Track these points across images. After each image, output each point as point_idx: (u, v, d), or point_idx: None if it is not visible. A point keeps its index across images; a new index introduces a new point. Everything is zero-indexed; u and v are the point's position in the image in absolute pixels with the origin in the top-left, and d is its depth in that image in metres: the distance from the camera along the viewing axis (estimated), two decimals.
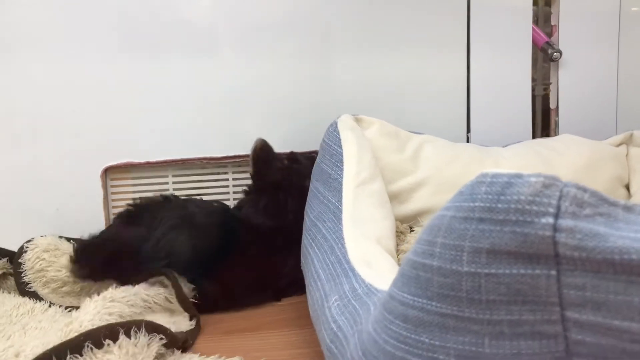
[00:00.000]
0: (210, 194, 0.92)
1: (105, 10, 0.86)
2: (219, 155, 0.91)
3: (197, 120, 0.90)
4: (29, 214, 0.86)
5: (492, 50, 0.96)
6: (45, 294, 0.77)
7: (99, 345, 0.48)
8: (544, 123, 1.03)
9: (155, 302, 0.66)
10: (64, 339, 0.51)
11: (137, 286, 0.66)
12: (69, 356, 0.46)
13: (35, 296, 0.75)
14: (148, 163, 0.89)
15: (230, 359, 0.56)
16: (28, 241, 0.81)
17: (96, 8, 0.85)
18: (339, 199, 0.69)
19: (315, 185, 0.74)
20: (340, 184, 0.70)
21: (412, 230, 0.77)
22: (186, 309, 0.67)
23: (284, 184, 0.83)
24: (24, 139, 0.86)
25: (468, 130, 0.97)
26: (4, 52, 0.84)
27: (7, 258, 0.82)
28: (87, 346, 0.47)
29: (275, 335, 0.69)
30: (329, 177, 0.72)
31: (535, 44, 0.98)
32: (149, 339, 0.52)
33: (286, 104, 0.93)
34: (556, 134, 1.01)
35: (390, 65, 0.95)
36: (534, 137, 0.99)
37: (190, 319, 0.66)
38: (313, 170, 0.77)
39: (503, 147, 0.88)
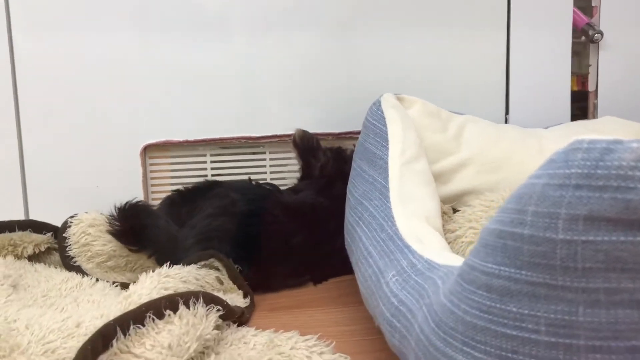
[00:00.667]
0: (247, 174, 0.92)
1: None
2: (257, 134, 0.91)
3: (236, 100, 0.90)
4: (69, 190, 0.87)
5: (533, 31, 0.95)
6: (89, 269, 0.77)
7: (160, 316, 0.48)
8: (581, 106, 1.01)
9: (207, 282, 0.66)
10: (124, 311, 0.52)
11: (188, 266, 0.66)
12: (132, 326, 0.46)
13: (79, 270, 0.76)
14: (187, 141, 0.89)
15: (288, 333, 0.56)
16: (72, 216, 0.81)
17: None
18: (385, 178, 0.68)
19: (359, 164, 0.74)
20: (386, 163, 0.70)
21: (455, 211, 0.76)
22: (240, 287, 0.67)
23: (331, 170, 0.82)
24: (65, 115, 0.86)
25: (507, 112, 0.96)
26: (47, 30, 0.84)
27: (51, 233, 0.82)
28: (149, 317, 0.47)
29: (321, 313, 0.69)
30: (374, 155, 0.72)
31: (575, 25, 0.96)
32: (207, 310, 0.52)
33: (322, 86, 0.92)
34: (594, 116, 0.99)
35: (424, 46, 0.94)
36: (572, 119, 0.98)
37: (244, 297, 0.66)
38: (356, 149, 0.77)
39: (544, 128, 0.87)
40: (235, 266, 0.72)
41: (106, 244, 0.79)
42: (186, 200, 0.81)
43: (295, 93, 0.92)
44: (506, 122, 0.96)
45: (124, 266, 0.78)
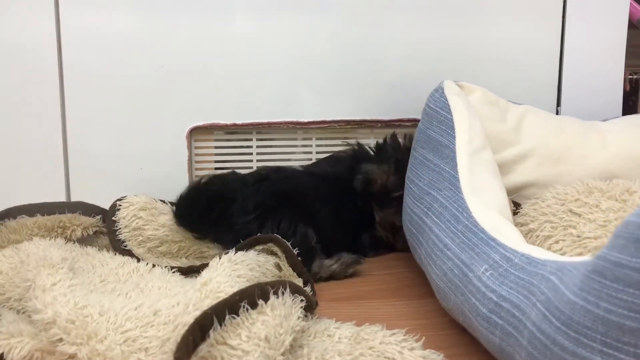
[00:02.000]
0: (293, 160, 0.89)
1: None
2: (305, 120, 0.88)
3: (284, 84, 0.87)
4: (112, 172, 0.84)
5: (588, 22, 0.93)
6: (140, 253, 0.75)
7: (254, 305, 0.46)
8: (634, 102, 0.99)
9: (267, 269, 0.63)
10: (204, 299, 0.49)
11: (249, 252, 0.63)
12: (227, 316, 0.44)
13: (130, 255, 0.73)
14: (234, 125, 0.86)
15: (373, 326, 0.54)
16: (120, 199, 0.78)
17: None
18: (454, 167, 0.66)
19: (422, 153, 0.72)
20: (453, 152, 0.67)
21: (516, 205, 0.74)
22: (300, 274, 0.65)
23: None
24: (110, 96, 0.83)
25: (558, 104, 0.94)
26: (95, 6, 0.81)
27: (100, 216, 0.79)
28: (244, 306, 0.45)
29: (386, 305, 0.67)
30: (439, 144, 0.69)
31: (631, 17, 0.94)
32: (293, 300, 0.50)
33: (375, 71, 0.89)
34: None
35: (474, 34, 0.91)
36: (624, 114, 0.96)
37: (305, 285, 0.64)
38: (416, 137, 0.75)
39: (602, 121, 0.85)
40: (295, 250, 0.70)
41: (158, 229, 0.76)
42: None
43: (345, 78, 0.89)
44: (557, 114, 0.94)
45: (177, 252, 0.76)
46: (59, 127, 0.83)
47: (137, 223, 0.74)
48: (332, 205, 0.79)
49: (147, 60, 0.83)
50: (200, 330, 0.41)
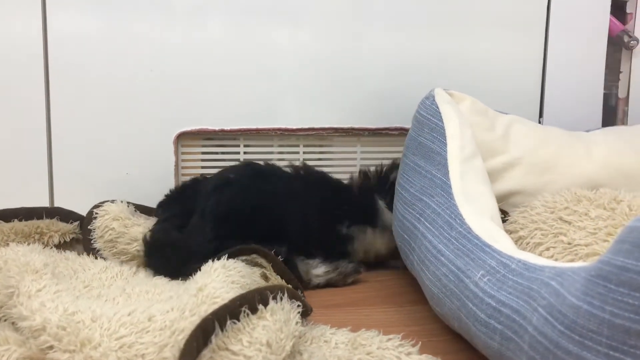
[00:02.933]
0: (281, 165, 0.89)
1: None
2: (293, 126, 0.88)
3: (272, 91, 0.87)
4: (98, 177, 0.82)
5: (570, 37, 0.95)
6: (116, 262, 0.73)
7: (254, 311, 0.45)
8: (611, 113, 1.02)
9: (254, 279, 0.63)
10: (200, 305, 0.48)
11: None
12: (228, 320, 0.43)
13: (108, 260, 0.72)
14: (222, 130, 0.85)
15: (369, 332, 0.54)
16: (97, 206, 0.77)
17: None
18: (445, 174, 0.67)
19: (413, 160, 0.72)
20: (445, 159, 0.68)
21: (503, 212, 0.75)
22: (288, 281, 0.64)
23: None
24: (97, 100, 0.82)
25: (540, 115, 0.96)
26: (82, 11, 0.79)
27: (77, 222, 0.78)
28: (244, 311, 0.44)
29: (377, 312, 0.67)
30: (431, 151, 0.70)
31: (610, 32, 0.97)
32: (291, 305, 0.49)
33: (363, 80, 0.90)
34: (624, 123, 1.00)
35: (459, 47, 0.92)
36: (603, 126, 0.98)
37: None
38: (407, 144, 0.75)
39: (586, 132, 0.87)
40: (279, 257, 0.69)
41: (130, 243, 0.75)
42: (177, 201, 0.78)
43: (332, 86, 0.89)
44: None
45: None
46: (44, 131, 0.81)
47: (109, 235, 0.73)
48: (304, 203, 0.76)
49: (135, 65, 0.82)
50: (202, 335, 0.40)
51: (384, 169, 0.83)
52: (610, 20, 0.97)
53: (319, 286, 0.72)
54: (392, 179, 0.79)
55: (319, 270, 0.72)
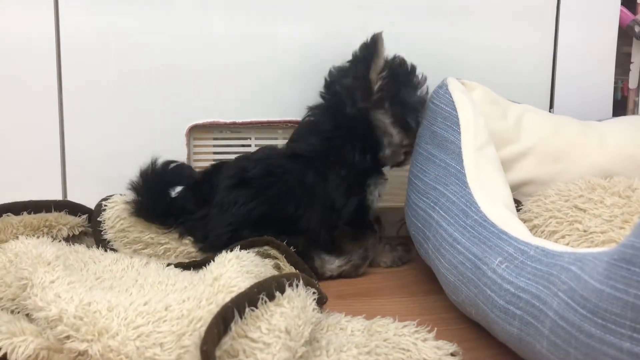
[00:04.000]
0: None
1: None
2: None
3: (284, 84, 0.86)
4: (110, 170, 0.82)
5: (580, 27, 0.94)
6: (127, 254, 0.73)
7: (271, 298, 0.45)
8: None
9: (267, 269, 0.63)
10: (217, 294, 0.48)
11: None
12: (247, 308, 0.43)
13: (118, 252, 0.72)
14: (234, 123, 0.85)
15: (384, 319, 0.53)
16: (105, 199, 0.77)
17: None
18: (460, 162, 0.66)
19: (427, 148, 0.72)
20: (459, 147, 0.68)
21: (519, 202, 0.75)
22: (302, 272, 0.64)
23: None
24: (109, 93, 0.82)
25: (551, 106, 0.96)
26: (94, 5, 0.79)
27: (86, 215, 0.78)
28: (262, 299, 0.44)
29: (392, 302, 0.67)
30: (445, 140, 0.69)
31: (620, 22, 0.96)
32: (307, 292, 0.49)
33: None
34: (635, 114, 1.00)
35: (469, 36, 0.92)
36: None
37: None
38: (420, 133, 0.75)
39: (597, 121, 0.86)
40: (292, 248, 0.69)
41: (143, 231, 0.75)
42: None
43: None
44: None
45: (163, 254, 0.75)
46: (57, 126, 0.81)
47: (121, 224, 0.73)
48: (319, 195, 0.74)
49: (147, 59, 0.82)
50: (223, 323, 0.40)
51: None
52: (621, 10, 0.96)
53: (332, 277, 0.72)
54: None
55: (332, 265, 0.73)
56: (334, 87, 0.77)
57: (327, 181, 0.74)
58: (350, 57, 0.78)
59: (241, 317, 0.42)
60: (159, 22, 0.81)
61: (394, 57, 0.77)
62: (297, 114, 0.87)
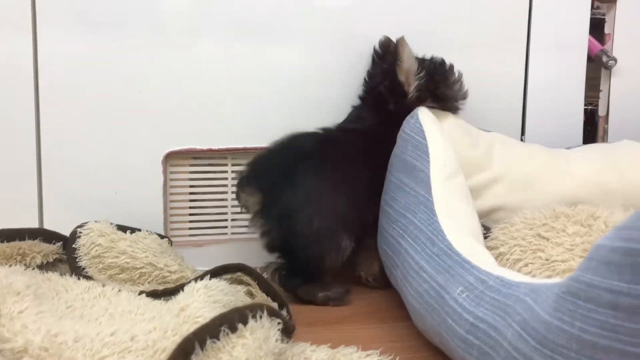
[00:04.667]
0: None
1: None
2: None
3: (260, 109, 0.88)
4: (87, 197, 0.83)
5: (550, 56, 0.97)
6: (101, 280, 0.73)
7: (234, 330, 0.46)
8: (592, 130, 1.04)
9: (239, 297, 0.63)
10: (182, 324, 0.49)
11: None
12: (208, 340, 0.43)
13: (91, 280, 0.72)
14: (210, 150, 0.86)
15: (348, 348, 0.54)
16: (81, 226, 0.77)
17: None
18: (428, 191, 0.68)
19: (398, 177, 0.73)
20: (428, 176, 0.69)
21: (486, 228, 0.76)
22: (274, 298, 0.65)
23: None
24: (86, 120, 0.82)
25: (522, 133, 0.98)
26: (72, 33, 0.81)
27: (61, 242, 0.78)
28: (224, 330, 0.45)
29: (362, 329, 0.67)
30: (415, 168, 0.71)
31: (589, 52, 0.99)
32: (270, 323, 0.50)
33: (348, 98, 0.91)
34: (604, 140, 1.02)
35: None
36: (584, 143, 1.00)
37: (280, 309, 0.64)
38: (391, 161, 0.76)
39: (567, 149, 0.88)
40: (264, 275, 0.70)
41: (119, 256, 0.74)
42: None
43: (318, 104, 0.90)
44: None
45: (138, 278, 0.74)
46: (33, 151, 0.82)
47: (96, 250, 0.73)
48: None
49: (124, 86, 0.82)
50: (182, 355, 0.41)
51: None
52: (589, 40, 0.99)
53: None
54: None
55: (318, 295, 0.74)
56: (378, 88, 0.83)
57: None
58: (324, 85, 0.83)
59: (202, 349, 0.42)
60: (136, 50, 0.82)
61: (432, 58, 0.84)
62: (273, 139, 0.88)
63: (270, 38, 0.87)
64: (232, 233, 0.89)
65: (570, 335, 0.37)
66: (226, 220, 0.89)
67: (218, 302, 0.55)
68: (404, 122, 0.77)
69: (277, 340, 0.48)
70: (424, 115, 0.75)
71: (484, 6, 0.94)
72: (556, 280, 0.43)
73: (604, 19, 1.01)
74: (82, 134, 0.82)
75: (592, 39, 0.99)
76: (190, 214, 0.87)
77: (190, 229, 0.88)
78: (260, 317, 0.49)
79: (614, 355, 0.34)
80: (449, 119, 0.80)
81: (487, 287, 0.50)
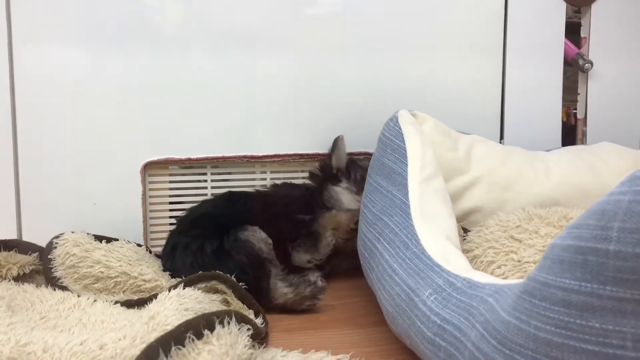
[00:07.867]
0: None
1: (152, 9, 0.84)
2: (259, 154, 0.89)
3: (238, 119, 0.88)
4: (65, 208, 0.83)
5: (527, 60, 0.98)
6: (77, 290, 0.73)
7: (200, 336, 0.46)
8: (571, 133, 1.05)
9: (214, 305, 0.63)
10: (151, 332, 0.49)
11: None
12: (173, 347, 0.44)
13: (67, 290, 0.72)
14: (189, 159, 0.86)
15: (319, 353, 0.54)
16: (57, 237, 0.78)
17: (139, 6, 0.83)
18: (405, 194, 0.68)
19: (376, 180, 0.74)
20: (405, 179, 0.70)
21: (465, 231, 0.77)
22: (250, 306, 0.65)
23: None
24: (64, 131, 0.83)
25: (501, 137, 0.99)
26: (48, 45, 0.81)
27: (37, 253, 0.78)
28: (189, 337, 0.45)
29: (338, 334, 0.67)
30: (392, 171, 0.71)
31: (565, 55, 1.00)
32: (239, 329, 0.50)
33: (328, 106, 0.92)
34: (583, 143, 1.03)
35: (420, 70, 0.95)
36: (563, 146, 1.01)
37: (256, 316, 0.64)
38: (371, 164, 0.77)
39: (546, 151, 0.89)
40: (241, 284, 0.70)
41: (93, 266, 0.75)
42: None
43: (299, 113, 0.91)
44: None
45: (113, 287, 0.74)
46: (11, 162, 0.82)
47: (71, 260, 0.73)
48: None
49: (102, 97, 0.83)
50: None
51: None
52: (565, 43, 1.00)
53: (276, 306, 0.73)
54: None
55: (281, 290, 0.74)
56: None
57: None
58: (305, 94, 0.86)
59: (167, 356, 0.42)
60: (112, 61, 0.83)
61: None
62: (252, 148, 0.89)
63: (253, 50, 0.87)
64: None
65: (527, 334, 0.37)
66: None
67: (190, 309, 0.55)
68: (384, 125, 0.77)
69: (245, 346, 0.48)
70: (403, 118, 0.76)
71: (460, 11, 0.95)
72: (518, 280, 0.43)
73: (579, 23, 1.02)
74: (60, 145, 0.83)
75: (569, 43, 1.00)
76: (170, 224, 0.88)
77: None
78: (228, 322, 0.49)
79: (568, 352, 0.34)
80: (429, 122, 0.81)
81: (455, 289, 0.50)
